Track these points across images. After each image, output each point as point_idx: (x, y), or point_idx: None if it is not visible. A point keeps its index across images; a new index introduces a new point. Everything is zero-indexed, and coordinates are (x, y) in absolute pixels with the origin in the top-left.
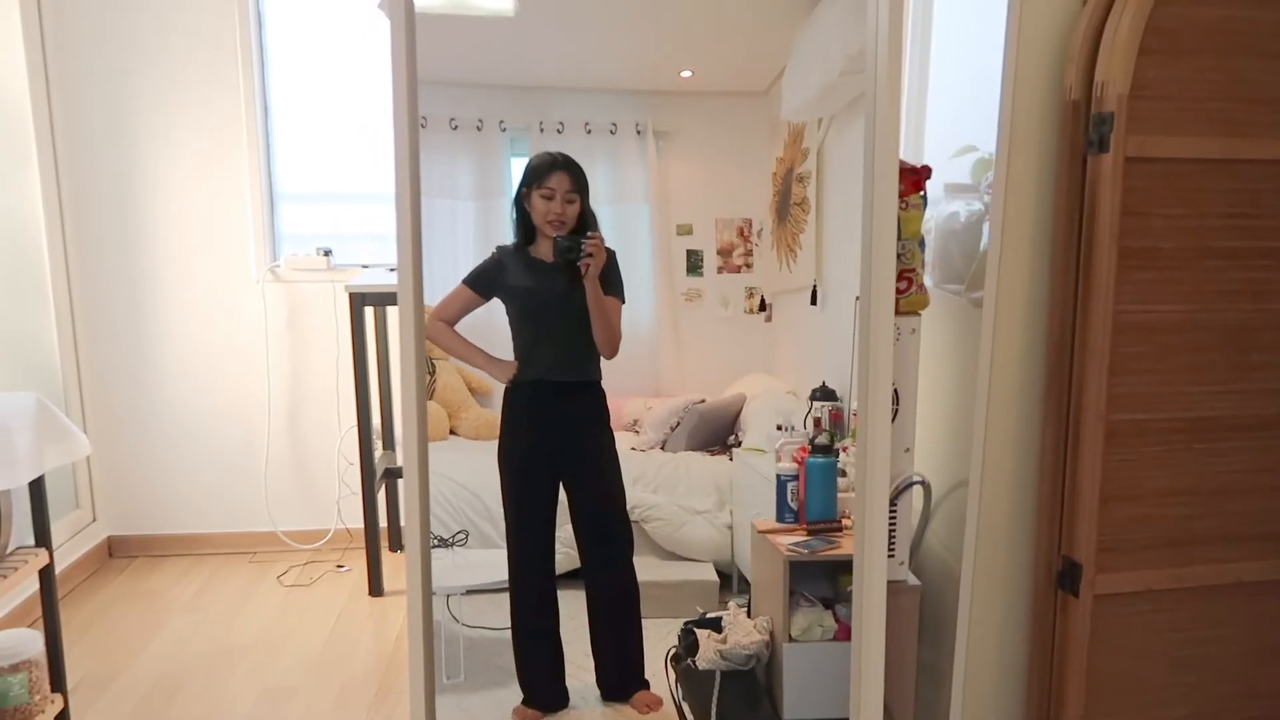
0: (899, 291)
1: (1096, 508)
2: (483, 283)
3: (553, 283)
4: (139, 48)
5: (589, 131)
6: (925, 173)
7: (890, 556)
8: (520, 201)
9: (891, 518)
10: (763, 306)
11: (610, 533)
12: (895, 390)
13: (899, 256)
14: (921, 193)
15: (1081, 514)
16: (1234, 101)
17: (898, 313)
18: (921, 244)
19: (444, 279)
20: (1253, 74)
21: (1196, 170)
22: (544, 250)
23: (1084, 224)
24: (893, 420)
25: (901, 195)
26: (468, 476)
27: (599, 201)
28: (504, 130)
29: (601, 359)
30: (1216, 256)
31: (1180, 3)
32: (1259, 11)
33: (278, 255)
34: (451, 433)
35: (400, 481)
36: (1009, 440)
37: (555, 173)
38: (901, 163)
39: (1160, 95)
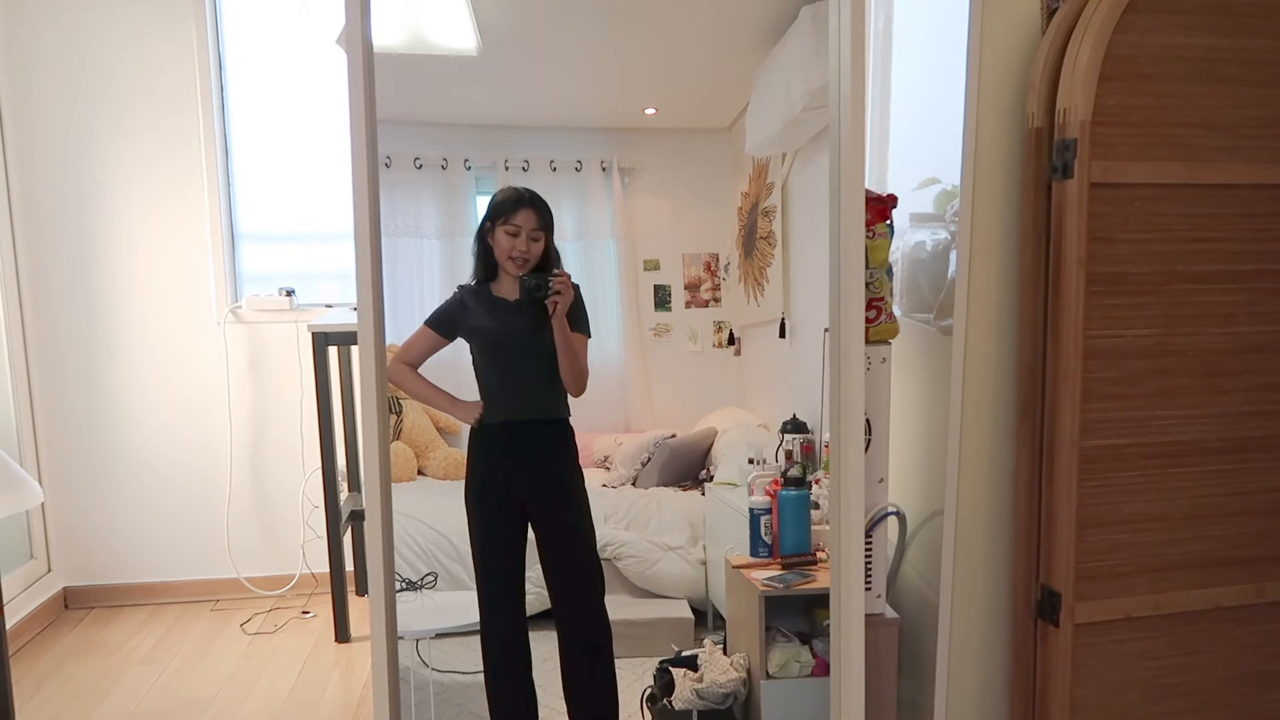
0: (868, 321)
1: (1074, 535)
2: (445, 324)
3: (516, 321)
4: (96, 86)
5: (554, 169)
6: (891, 201)
7: (867, 590)
8: (483, 237)
9: (867, 550)
10: (731, 340)
11: (580, 573)
12: (868, 420)
13: (867, 285)
14: (888, 221)
15: (1059, 542)
16: (1194, 127)
17: (867, 342)
18: (890, 272)
19: (410, 317)
20: (1211, 99)
21: (1160, 195)
22: (506, 288)
23: (1050, 250)
24: (866, 450)
25: (868, 224)
26: (436, 517)
27: (565, 237)
28: (469, 169)
29: (569, 396)
30: (1184, 280)
31: (1138, 30)
32: (1215, 39)
33: (239, 296)
34: (420, 473)
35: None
36: (983, 468)
37: (522, 209)
38: (867, 191)
39: (1121, 122)
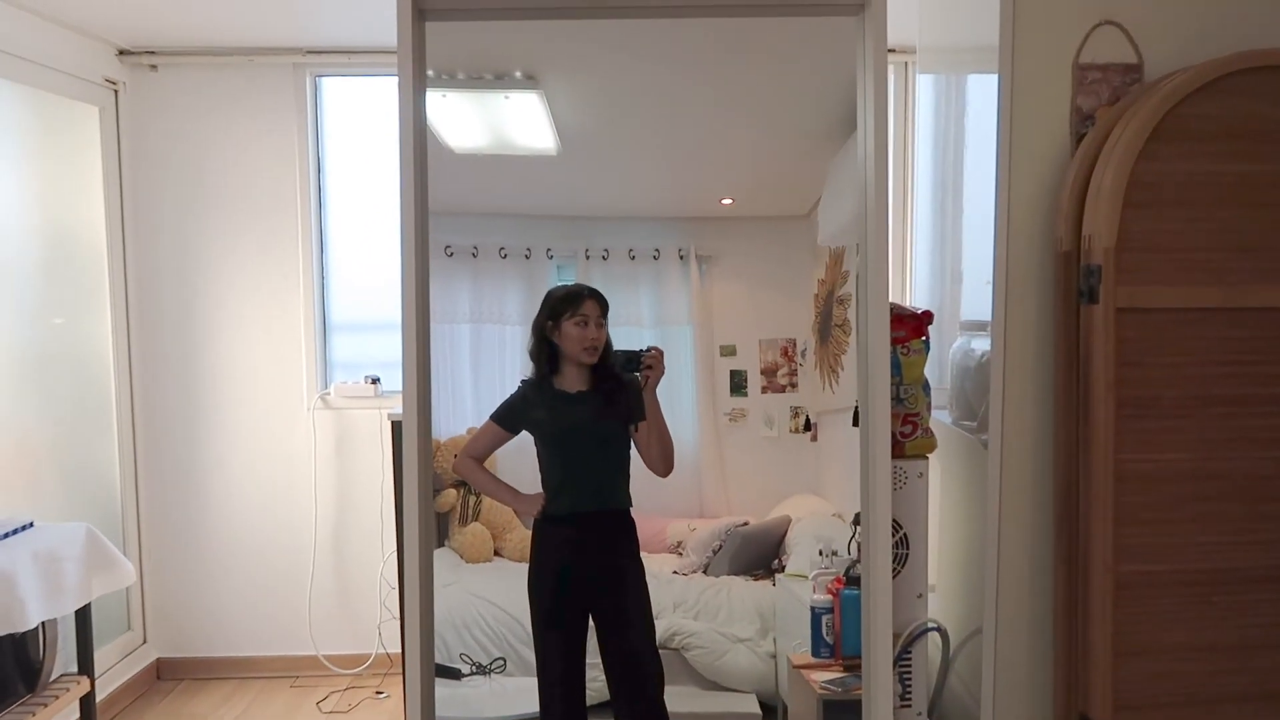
0: (904, 436)
1: (1110, 663)
2: (510, 418)
3: (578, 414)
4: (207, 189)
5: (633, 257)
6: (926, 318)
7: (906, 706)
8: (543, 334)
9: (906, 666)
10: (808, 426)
11: (639, 667)
12: (905, 535)
13: (901, 401)
14: (923, 338)
15: (1095, 669)
16: (1224, 251)
17: (904, 456)
18: (926, 387)
19: (492, 400)
20: (1240, 223)
21: (1192, 319)
22: (569, 381)
23: (1080, 373)
24: (903, 565)
25: (902, 340)
26: (509, 600)
27: (643, 324)
28: (551, 258)
29: (630, 486)
30: (1221, 404)
31: (1161, 158)
32: (1242, 164)
33: (328, 383)
34: (496, 554)
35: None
36: (1024, 588)
37: (586, 301)
38: (901, 308)
39: (1149, 247)
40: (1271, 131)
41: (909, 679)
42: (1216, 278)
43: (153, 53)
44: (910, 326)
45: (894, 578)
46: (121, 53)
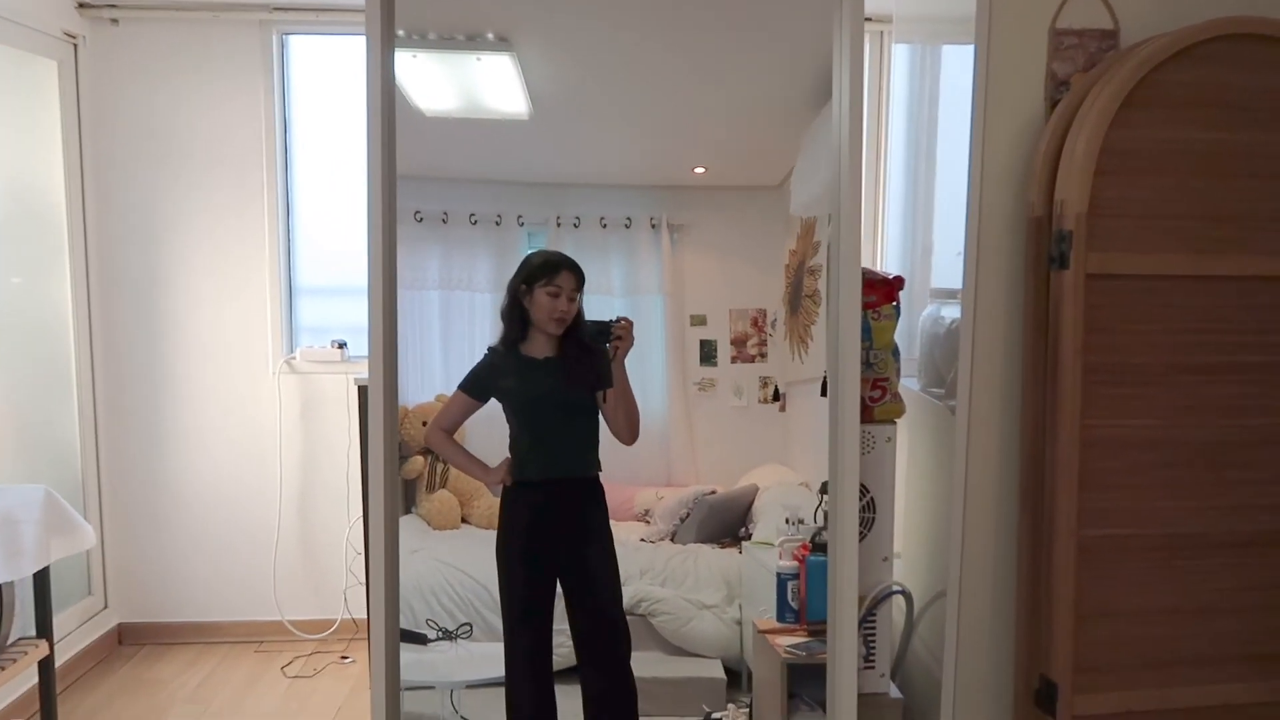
0: (872, 401)
1: (1071, 626)
2: (477, 387)
3: (546, 381)
4: (169, 148)
5: (604, 225)
6: (897, 283)
7: (870, 668)
8: (518, 296)
9: (870, 628)
10: (777, 396)
11: (607, 632)
12: (872, 499)
13: (871, 365)
14: (894, 303)
15: (1057, 632)
16: (1195, 219)
17: (873, 421)
18: (895, 353)
19: (459, 366)
20: (1212, 193)
21: (1162, 286)
22: (536, 347)
23: (1049, 339)
24: (869, 529)
25: (873, 305)
26: (476, 567)
27: (614, 293)
28: (522, 225)
29: (598, 453)
30: (1188, 371)
31: (1135, 124)
32: (1216, 132)
33: (294, 347)
34: (464, 520)
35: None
36: (988, 552)
37: (563, 271)
38: (872, 273)
39: (1120, 213)
40: (1245, 100)
41: (873, 641)
42: (1187, 245)
43: (114, 5)
44: (881, 291)
45: (860, 541)
46: (81, 5)
